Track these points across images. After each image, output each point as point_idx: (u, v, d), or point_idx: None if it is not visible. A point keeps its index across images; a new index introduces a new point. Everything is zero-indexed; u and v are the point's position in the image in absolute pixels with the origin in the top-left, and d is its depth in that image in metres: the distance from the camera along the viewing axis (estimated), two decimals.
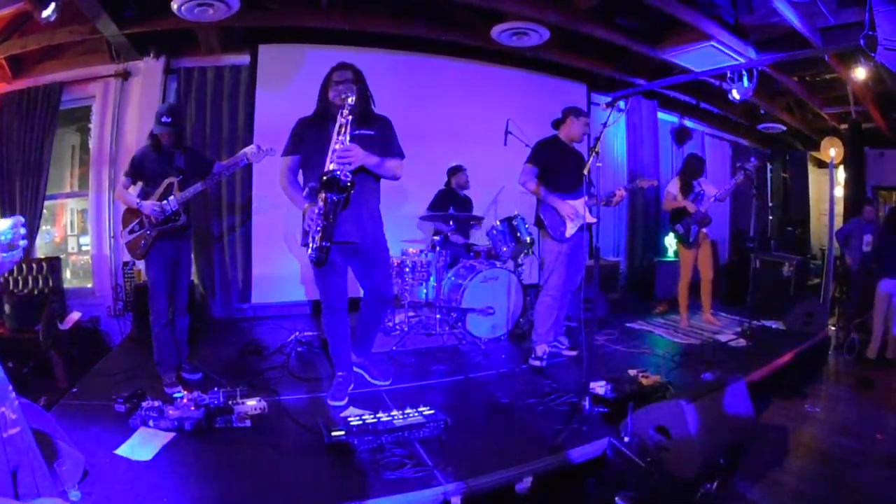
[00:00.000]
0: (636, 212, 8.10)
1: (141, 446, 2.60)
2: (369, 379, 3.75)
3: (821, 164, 10.96)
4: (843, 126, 8.80)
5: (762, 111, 8.64)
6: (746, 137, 9.96)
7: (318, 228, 2.99)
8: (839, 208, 9.05)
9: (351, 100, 3.03)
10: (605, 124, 3.25)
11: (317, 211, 2.98)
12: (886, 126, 8.20)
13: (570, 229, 4.15)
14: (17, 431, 1.63)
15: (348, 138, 3.04)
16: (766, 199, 10.16)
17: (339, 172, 2.92)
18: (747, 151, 10.02)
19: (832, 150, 8.12)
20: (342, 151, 3.01)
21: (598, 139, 3.27)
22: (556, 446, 2.78)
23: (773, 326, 5.62)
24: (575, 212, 4.10)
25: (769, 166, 10.63)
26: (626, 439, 2.79)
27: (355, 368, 3.72)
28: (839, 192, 9.29)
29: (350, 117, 3.04)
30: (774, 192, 10.83)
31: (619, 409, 3.12)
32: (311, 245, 3.06)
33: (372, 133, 3.23)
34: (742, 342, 4.98)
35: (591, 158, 3.28)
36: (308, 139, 3.31)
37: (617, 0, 5.31)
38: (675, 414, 2.62)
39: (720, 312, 6.35)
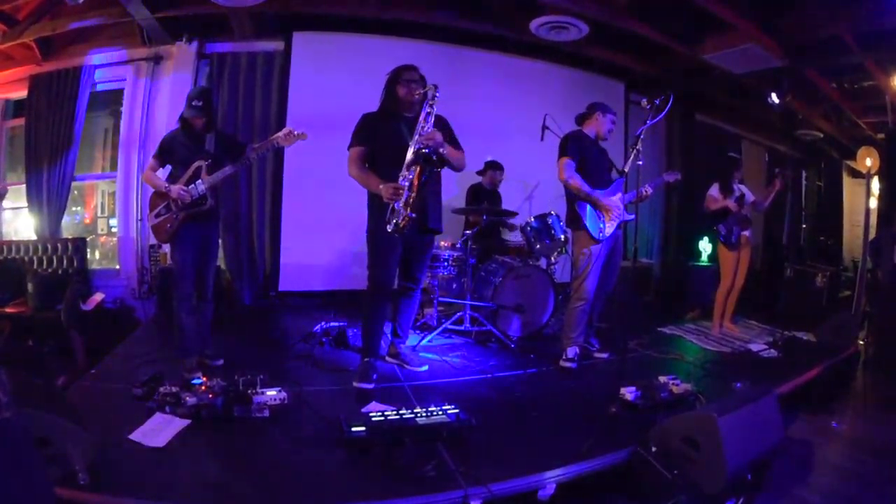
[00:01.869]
0: (671, 213, 7.94)
1: (155, 432, 2.55)
2: (407, 367, 3.82)
3: (855, 174, 10.68)
4: (880, 136, 8.53)
5: (799, 117, 8.42)
6: (782, 143, 9.73)
7: (406, 199, 3.19)
8: (873, 220, 8.80)
9: (434, 90, 3.25)
10: (647, 122, 3.13)
11: (407, 183, 3.20)
12: None
13: (609, 228, 4.04)
14: (8, 416, 1.55)
15: (431, 123, 3.27)
16: (801, 205, 9.98)
17: (430, 150, 3.20)
18: (783, 158, 9.81)
19: (868, 160, 7.90)
20: (429, 134, 3.23)
21: (639, 137, 3.15)
22: (582, 453, 2.68)
23: (804, 337, 5.44)
24: (619, 209, 4.02)
25: (803, 173, 10.40)
26: (653, 449, 2.68)
27: (388, 359, 3.87)
28: (873, 202, 9.04)
29: (435, 107, 3.27)
30: (808, 200, 10.60)
31: (647, 417, 3.06)
32: (391, 220, 3.25)
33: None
34: (773, 353, 4.83)
35: (633, 156, 3.15)
36: (378, 134, 3.46)
37: None
38: (706, 426, 2.50)
39: (750, 320, 6.19)
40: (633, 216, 4.06)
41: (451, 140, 3.52)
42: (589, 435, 2.85)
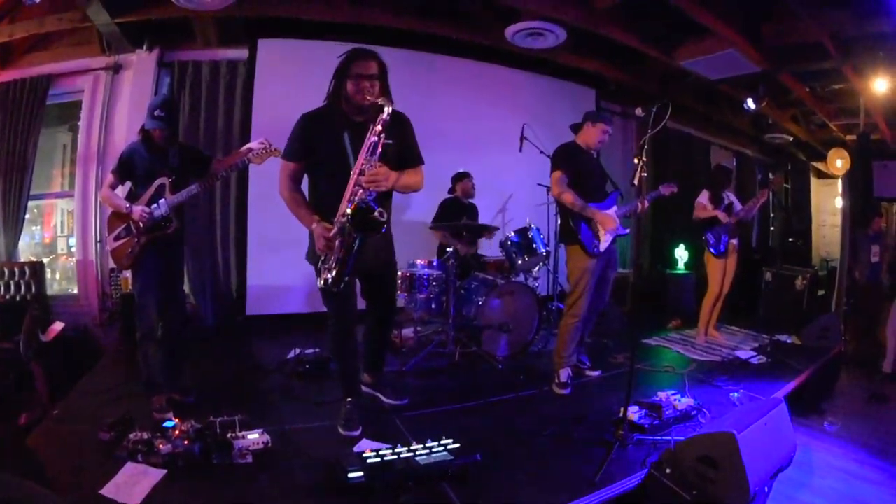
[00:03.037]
0: (642, 222, 7.89)
1: (129, 486, 2.27)
2: (384, 400, 3.44)
3: (821, 175, 10.86)
4: (850, 137, 8.67)
5: (769, 121, 8.49)
6: (750, 147, 9.81)
7: (338, 259, 2.71)
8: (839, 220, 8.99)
9: (387, 112, 2.67)
10: (650, 130, 2.97)
11: (338, 243, 2.70)
12: (893, 138, 8.10)
13: (605, 243, 3.87)
14: None
15: (377, 157, 2.70)
16: (770, 208, 10.09)
17: (372, 204, 2.63)
18: (751, 162, 9.90)
19: (839, 161, 8.03)
20: (371, 176, 2.67)
21: (643, 146, 2.97)
22: (596, 482, 2.52)
23: (787, 341, 5.47)
24: (615, 223, 3.84)
25: (770, 176, 10.54)
26: (668, 471, 2.53)
27: (365, 389, 3.43)
28: (843, 203, 9.20)
29: (383, 134, 2.69)
30: (777, 203, 10.74)
31: (655, 437, 2.96)
32: (324, 273, 2.77)
33: (391, 142, 2.79)
34: (763, 359, 4.81)
35: (639, 168, 2.98)
36: (317, 142, 2.88)
37: (637, 1, 5.08)
38: (725, 444, 2.40)
39: (732, 326, 6.21)
40: (627, 230, 3.94)
41: (410, 150, 3.02)
42: (598, 460, 2.70)
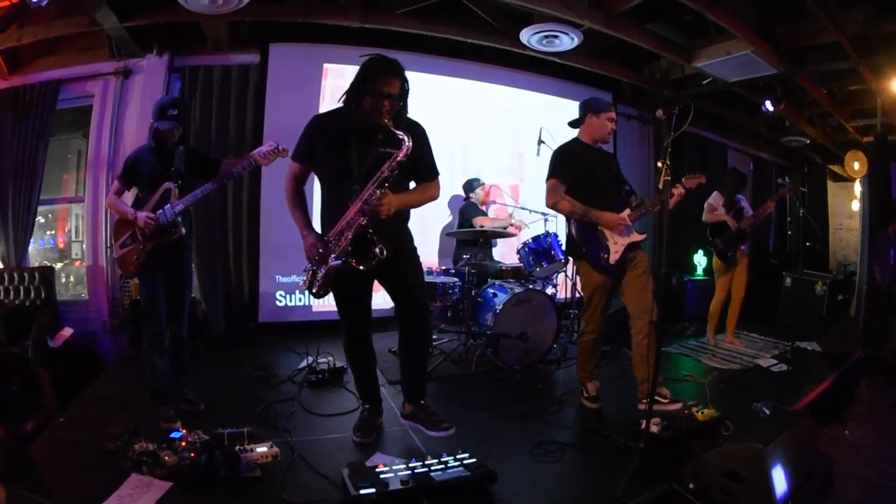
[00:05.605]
0: (659, 225, 7.77)
1: (133, 498, 2.21)
2: (427, 432, 2.95)
3: (837, 178, 10.67)
4: (867, 139, 8.52)
5: (787, 123, 8.35)
6: (766, 150, 9.66)
7: (327, 273, 2.75)
8: (859, 223, 8.80)
9: (406, 148, 2.59)
10: (672, 133, 2.85)
11: (331, 258, 2.72)
12: None
13: (615, 254, 3.49)
14: None
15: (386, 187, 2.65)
16: (787, 212, 9.93)
17: (371, 237, 2.63)
18: (768, 166, 9.75)
19: (856, 164, 7.89)
20: (375, 204, 2.61)
21: (667, 148, 2.83)
22: (618, 497, 2.41)
23: (808, 347, 5.33)
24: (626, 225, 3.46)
25: (787, 179, 10.37)
26: (691, 485, 2.45)
27: (404, 422, 3.15)
28: (861, 206, 9.04)
29: (396, 171, 2.63)
30: (792, 207, 10.57)
31: (677, 450, 2.82)
32: (309, 278, 2.82)
33: (406, 160, 2.66)
34: (783, 366, 4.70)
35: (663, 171, 2.85)
36: (323, 146, 2.79)
37: (655, 3, 4.97)
38: (752, 458, 2.34)
39: (752, 333, 6.09)
40: (644, 236, 3.59)
41: (425, 163, 2.87)
42: (619, 473, 2.59)
